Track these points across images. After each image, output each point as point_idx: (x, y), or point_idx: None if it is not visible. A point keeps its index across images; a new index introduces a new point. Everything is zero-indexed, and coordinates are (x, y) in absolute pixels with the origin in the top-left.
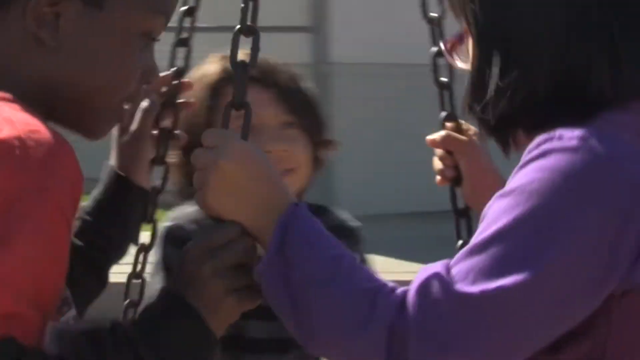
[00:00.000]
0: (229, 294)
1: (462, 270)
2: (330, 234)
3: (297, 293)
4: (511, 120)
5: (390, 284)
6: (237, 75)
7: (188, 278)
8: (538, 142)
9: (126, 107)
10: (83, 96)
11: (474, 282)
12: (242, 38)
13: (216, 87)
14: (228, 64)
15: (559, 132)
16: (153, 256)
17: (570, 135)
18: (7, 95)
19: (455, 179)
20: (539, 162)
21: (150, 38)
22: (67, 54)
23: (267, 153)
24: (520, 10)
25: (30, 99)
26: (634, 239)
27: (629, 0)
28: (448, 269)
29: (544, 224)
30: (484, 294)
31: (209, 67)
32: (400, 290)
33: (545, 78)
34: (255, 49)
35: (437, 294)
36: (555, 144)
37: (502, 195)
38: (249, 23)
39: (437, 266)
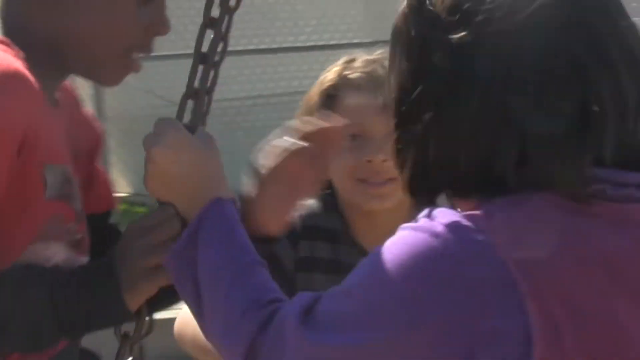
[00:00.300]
0: (150, 271)
1: (318, 310)
2: (245, 236)
3: (197, 285)
4: (426, 188)
5: (274, 296)
6: (194, 65)
7: (121, 251)
8: (423, 213)
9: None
10: (86, 45)
11: (316, 327)
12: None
13: (330, 94)
14: (345, 71)
15: (437, 211)
16: None
17: (441, 221)
18: (5, 39)
19: None
20: (408, 234)
21: None
22: (66, 6)
23: (367, 162)
24: (434, 90)
25: (43, 53)
26: (463, 342)
27: (542, 99)
28: (313, 303)
29: (381, 300)
30: (314, 344)
31: (328, 73)
32: (273, 307)
33: (451, 156)
34: (216, 41)
35: (287, 327)
36: (426, 222)
37: (378, 249)
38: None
39: (305, 298)
